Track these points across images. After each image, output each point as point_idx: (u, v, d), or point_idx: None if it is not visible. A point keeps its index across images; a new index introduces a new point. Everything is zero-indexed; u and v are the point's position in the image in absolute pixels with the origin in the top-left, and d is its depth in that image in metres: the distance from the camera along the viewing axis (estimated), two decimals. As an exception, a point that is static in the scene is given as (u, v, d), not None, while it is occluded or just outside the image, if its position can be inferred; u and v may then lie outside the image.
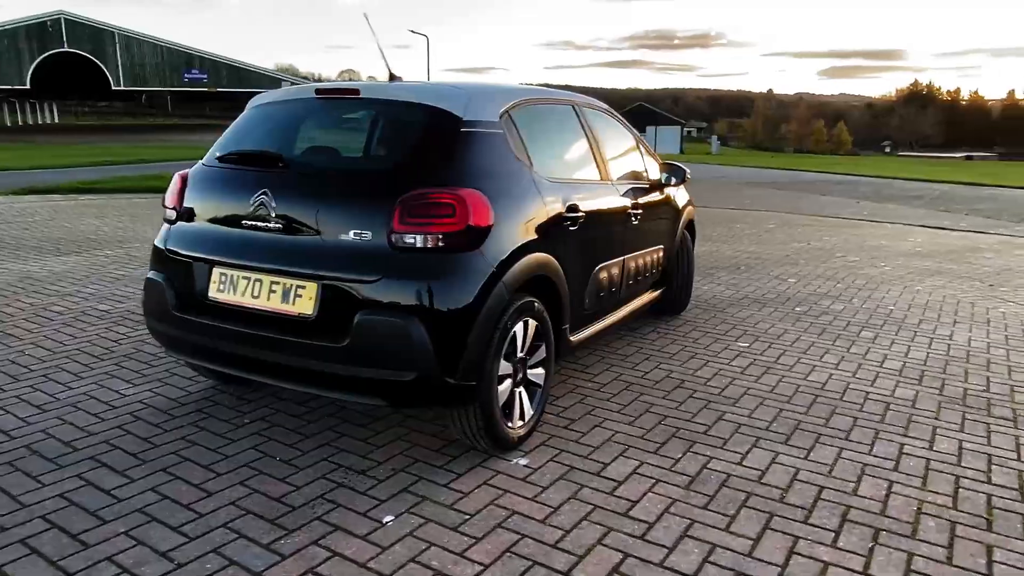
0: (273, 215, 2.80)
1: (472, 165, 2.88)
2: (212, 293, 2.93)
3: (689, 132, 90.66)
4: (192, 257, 3.01)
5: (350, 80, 3.56)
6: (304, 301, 2.70)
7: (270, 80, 51.10)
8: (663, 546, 2.41)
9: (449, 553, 2.34)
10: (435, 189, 2.70)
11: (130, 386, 3.69)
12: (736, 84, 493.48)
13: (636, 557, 2.35)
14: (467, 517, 2.56)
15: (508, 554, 2.34)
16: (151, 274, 3.20)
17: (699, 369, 4.21)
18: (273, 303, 2.76)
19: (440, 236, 2.64)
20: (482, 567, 2.27)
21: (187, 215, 3.14)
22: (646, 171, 4.55)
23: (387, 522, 2.51)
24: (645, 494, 2.75)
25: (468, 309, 2.66)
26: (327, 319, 2.66)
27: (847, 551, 2.41)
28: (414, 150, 2.94)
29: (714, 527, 2.53)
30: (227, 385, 3.71)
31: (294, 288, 2.73)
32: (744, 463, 3.02)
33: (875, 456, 3.12)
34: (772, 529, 2.53)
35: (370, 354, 2.61)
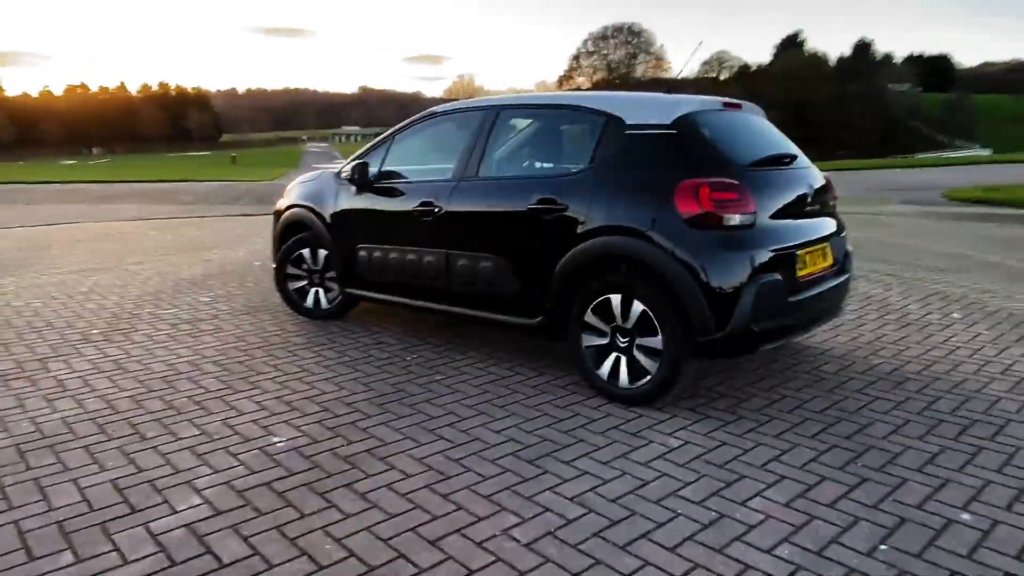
0: (817, 199, 4.12)
1: None
2: (799, 274, 3.78)
3: None
4: (790, 248, 3.75)
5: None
6: (828, 256, 4.06)
7: None
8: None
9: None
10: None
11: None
12: None
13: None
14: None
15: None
16: (765, 280, 3.53)
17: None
18: (823, 265, 4.00)
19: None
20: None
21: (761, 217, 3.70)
22: None
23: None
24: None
25: None
26: (835, 263, 4.14)
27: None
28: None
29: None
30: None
31: (824, 250, 4.04)
32: None
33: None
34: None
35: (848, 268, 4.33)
